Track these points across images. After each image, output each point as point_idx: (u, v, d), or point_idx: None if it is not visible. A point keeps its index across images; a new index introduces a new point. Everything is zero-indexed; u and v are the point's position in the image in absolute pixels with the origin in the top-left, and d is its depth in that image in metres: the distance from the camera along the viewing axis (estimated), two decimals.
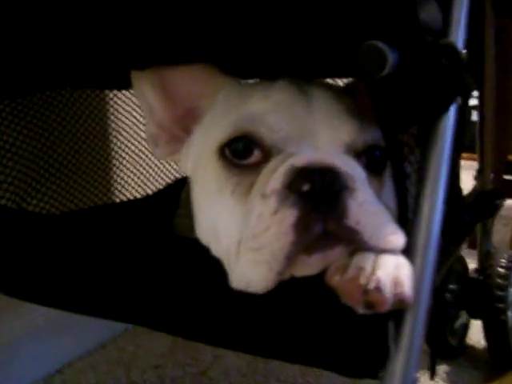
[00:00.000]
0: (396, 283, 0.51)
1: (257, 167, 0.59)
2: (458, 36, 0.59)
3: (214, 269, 0.59)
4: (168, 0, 0.58)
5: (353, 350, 0.57)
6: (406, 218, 0.57)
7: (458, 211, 0.75)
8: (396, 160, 0.56)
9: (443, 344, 1.24)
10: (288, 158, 0.57)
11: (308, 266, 0.54)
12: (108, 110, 1.08)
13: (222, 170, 0.61)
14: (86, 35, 0.67)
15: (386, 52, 0.49)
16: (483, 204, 0.79)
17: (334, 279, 0.52)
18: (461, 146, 0.69)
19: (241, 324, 0.60)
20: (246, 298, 0.57)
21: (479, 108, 1.01)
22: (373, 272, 0.51)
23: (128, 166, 1.12)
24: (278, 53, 0.60)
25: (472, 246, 1.41)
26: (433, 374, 0.86)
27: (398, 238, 0.55)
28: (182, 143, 0.70)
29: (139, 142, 1.14)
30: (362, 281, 0.50)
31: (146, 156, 1.14)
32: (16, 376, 1.14)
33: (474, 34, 0.83)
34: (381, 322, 0.54)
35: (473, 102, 0.93)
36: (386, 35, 0.49)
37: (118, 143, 1.11)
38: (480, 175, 1.15)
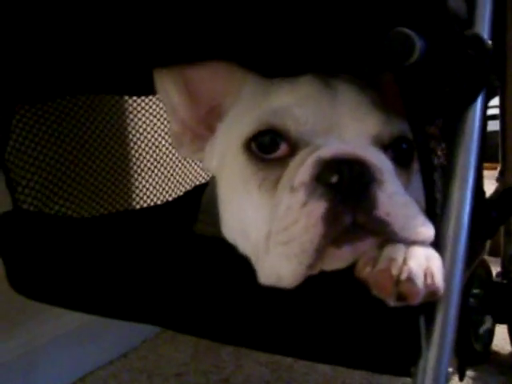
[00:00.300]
0: (427, 274, 0.50)
1: (283, 161, 0.59)
2: (484, 27, 0.58)
3: (241, 267, 0.59)
4: None
5: (384, 346, 0.56)
6: (435, 212, 0.57)
7: (485, 208, 0.74)
8: (423, 152, 0.55)
9: (468, 350, 1.22)
10: (315, 150, 0.56)
11: (338, 259, 0.54)
12: (128, 116, 1.08)
13: (248, 165, 0.61)
14: (104, 39, 0.67)
15: (415, 39, 0.48)
16: (510, 200, 0.78)
17: (365, 271, 0.51)
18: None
19: (268, 322, 0.60)
20: (273, 294, 0.56)
21: (500, 109, 1.00)
22: (404, 263, 0.50)
23: (148, 172, 1.12)
24: (302, 45, 0.60)
25: (493, 253, 1.39)
26: (462, 376, 0.84)
27: (428, 230, 0.54)
28: (205, 141, 0.69)
29: (159, 148, 1.14)
30: (394, 271, 0.49)
31: (167, 162, 1.14)
32: None
33: (494, 34, 0.83)
34: (412, 316, 0.53)
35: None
36: (414, 22, 0.49)
37: (139, 149, 1.11)
38: (502, 176, 1.14)
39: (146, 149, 1.12)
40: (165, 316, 0.68)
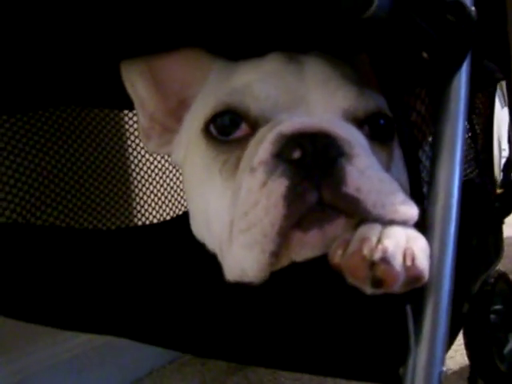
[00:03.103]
0: (407, 255, 0.44)
1: (244, 141, 0.54)
2: None
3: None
4: None
5: (366, 344, 0.49)
6: (420, 191, 0.50)
7: (490, 199, 0.68)
8: (400, 122, 0.49)
9: (491, 371, 1.13)
10: (276, 126, 0.51)
11: (306, 246, 0.48)
12: (127, 129, 1.04)
13: (209, 150, 0.56)
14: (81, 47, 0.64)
15: None
16: None
17: (337, 255, 0.45)
18: None
19: (236, 323, 0.53)
20: (240, 292, 0.50)
21: (508, 99, 0.94)
22: (379, 242, 0.44)
23: (150, 187, 1.07)
24: (268, 23, 0.55)
25: None
26: None
27: (410, 209, 0.48)
28: (174, 134, 0.65)
29: (162, 165, 1.08)
30: (366, 251, 0.43)
31: (168, 177, 1.09)
32: None
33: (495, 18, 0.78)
34: (397, 306, 0.46)
35: None
36: None
37: (139, 164, 1.06)
38: None
39: (148, 165, 1.07)
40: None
